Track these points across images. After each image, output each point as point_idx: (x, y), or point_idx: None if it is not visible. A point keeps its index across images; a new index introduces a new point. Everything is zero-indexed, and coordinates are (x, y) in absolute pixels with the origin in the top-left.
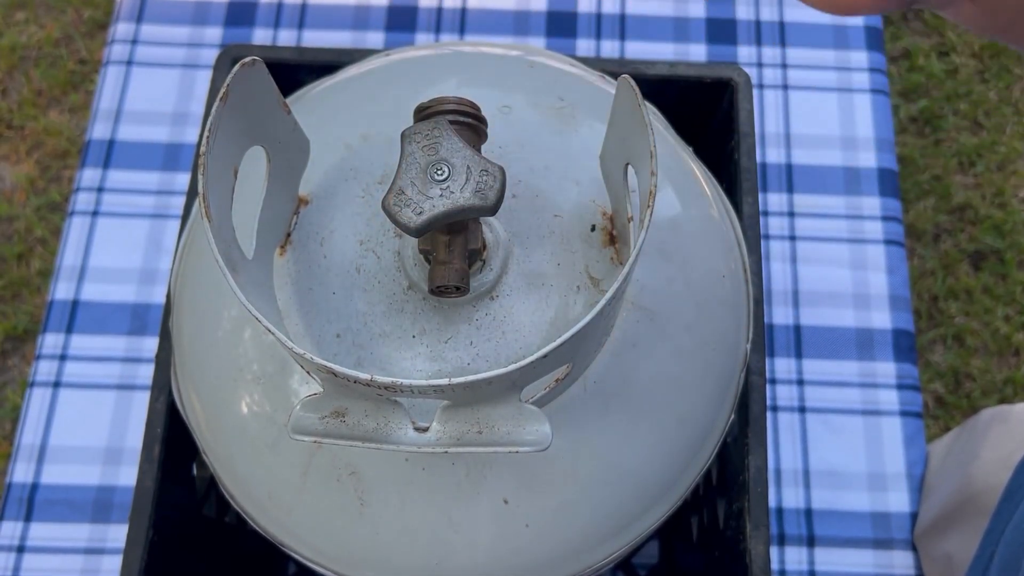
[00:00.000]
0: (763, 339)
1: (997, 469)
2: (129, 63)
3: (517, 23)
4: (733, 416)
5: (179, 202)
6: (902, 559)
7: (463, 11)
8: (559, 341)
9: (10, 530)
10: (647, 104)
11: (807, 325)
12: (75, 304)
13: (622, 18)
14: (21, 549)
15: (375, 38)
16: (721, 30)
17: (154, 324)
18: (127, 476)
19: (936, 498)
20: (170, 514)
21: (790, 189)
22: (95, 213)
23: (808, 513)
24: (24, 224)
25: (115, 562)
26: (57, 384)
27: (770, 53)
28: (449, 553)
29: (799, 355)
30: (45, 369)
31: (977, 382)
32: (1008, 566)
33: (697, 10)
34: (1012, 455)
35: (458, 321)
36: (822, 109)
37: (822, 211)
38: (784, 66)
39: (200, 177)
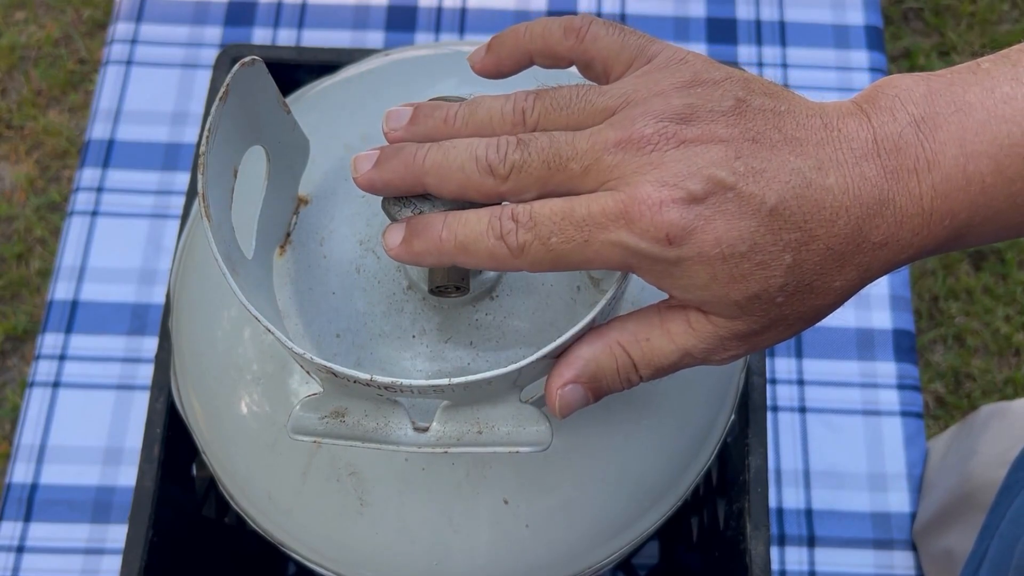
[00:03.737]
0: None
1: (996, 465)
2: (129, 63)
3: (517, 23)
4: (733, 416)
5: (179, 202)
6: (902, 559)
7: (463, 11)
8: (559, 341)
9: (10, 530)
10: None
11: None
12: (74, 304)
13: (622, 17)
14: (21, 549)
15: (375, 38)
16: (721, 30)
17: (154, 324)
18: (127, 476)
19: (935, 495)
20: (170, 514)
21: None
22: (95, 213)
23: (808, 513)
24: (24, 224)
25: (115, 562)
26: (56, 384)
27: (770, 53)
28: (449, 553)
29: (799, 355)
30: (44, 369)
31: (977, 382)
32: (1001, 560)
33: (697, 10)
34: (1010, 451)
35: (458, 321)
36: None
37: None
38: (784, 66)
39: (200, 177)
